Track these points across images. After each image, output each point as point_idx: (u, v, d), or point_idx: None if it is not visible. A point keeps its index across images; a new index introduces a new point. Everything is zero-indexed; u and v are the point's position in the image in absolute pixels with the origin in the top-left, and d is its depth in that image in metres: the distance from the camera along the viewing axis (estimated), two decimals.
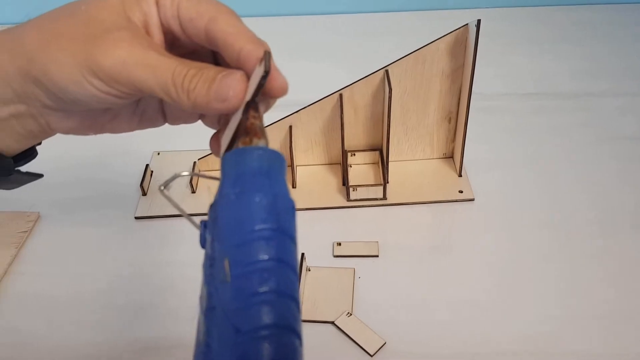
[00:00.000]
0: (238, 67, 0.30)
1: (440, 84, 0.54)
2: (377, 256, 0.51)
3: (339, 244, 0.52)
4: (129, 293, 0.49)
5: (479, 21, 0.47)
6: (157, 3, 0.31)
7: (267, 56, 0.28)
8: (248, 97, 0.28)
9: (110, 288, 0.50)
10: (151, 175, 0.59)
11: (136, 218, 0.55)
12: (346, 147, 0.58)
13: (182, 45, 0.32)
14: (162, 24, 0.31)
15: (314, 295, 0.48)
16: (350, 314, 0.46)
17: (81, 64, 0.29)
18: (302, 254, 0.49)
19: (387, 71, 0.52)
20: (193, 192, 0.57)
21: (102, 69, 0.29)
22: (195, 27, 0.31)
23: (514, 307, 0.46)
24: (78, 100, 0.31)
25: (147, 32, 0.31)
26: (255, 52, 0.29)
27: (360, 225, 0.54)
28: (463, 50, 0.52)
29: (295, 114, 0.55)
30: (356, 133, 0.58)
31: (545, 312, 0.46)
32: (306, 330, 0.45)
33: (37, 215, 0.56)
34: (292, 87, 0.81)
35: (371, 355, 0.43)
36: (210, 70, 0.29)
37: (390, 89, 0.51)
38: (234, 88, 0.29)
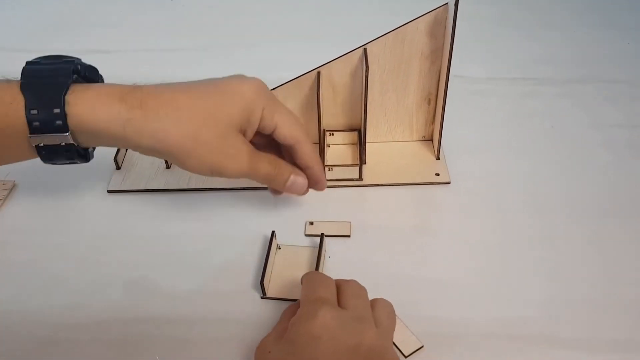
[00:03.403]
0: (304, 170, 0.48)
1: (419, 64, 0.53)
2: (348, 236, 0.51)
3: (312, 223, 0.52)
4: (99, 265, 0.49)
5: (457, 0, 0.47)
6: (261, 118, 0.44)
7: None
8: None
9: (80, 260, 0.50)
10: (126, 149, 0.58)
11: (108, 192, 0.55)
12: (325, 127, 0.58)
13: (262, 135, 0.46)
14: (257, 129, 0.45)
15: (283, 274, 0.48)
16: None
17: (211, 169, 0.42)
18: (273, 232, 0.49)
19: (365, 50, 0.51)
20: (167, 167, 0.57)
21: (225, 175, 0.43)
22: (284, 140, 0.46)
23: (487, 290, 0.46)
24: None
25: (245, 133, 0.44)
26: (321, 174, 0.49)
27: (335, 205, 0.54)
28: (442, 30, 0.51)
29: (272, 90, 0.54)
30: (335, 112, 0.58)
31: (520, 295, 0.46)
32: (273, 307, 0.46)
33: (12, 183, 0.56)
34: (272, 65, 0.81)
35: None
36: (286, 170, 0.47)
37: (367, 68, 0.50)
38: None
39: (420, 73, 0.54)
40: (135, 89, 0.39)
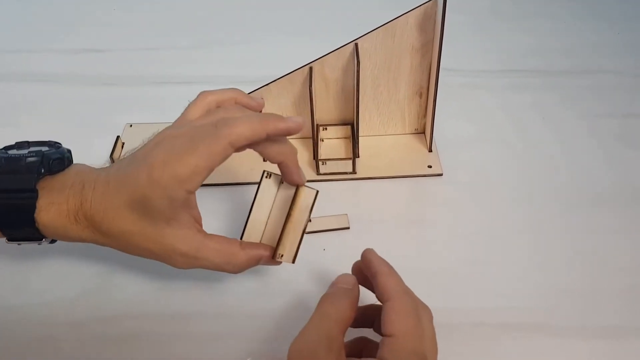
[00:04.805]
0: (289, 177, 0.43)
1: (410, 58, 0.54)
2: (348, 228, 0.51)
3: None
4: (96, 262, 0.50)
5: None
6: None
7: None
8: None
9: (77, 256, 0.50)
10: (122, 146, 0.59)
11: None
12: (318, 121, 0.58)
13: None
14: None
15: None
16: None
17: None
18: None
19: (356, 44, 0.52)
20: None
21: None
22: (271, 157, 0.41)
23: (481, 280, 0.47)
24: None
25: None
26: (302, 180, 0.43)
27: (329, 198, 0.54)
28: (432, 24, 0.51)
29: (266, 86, 0.55)
30: (328, 107, 0.58)
31: (513, 284, 0.47)
32: (275, 301, 0.46)
33: None
34: (264, 61, 0.80)
35: None
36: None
37: (359, 63, 0.51)
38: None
39: (411, 67, 0.55)
40: (83, 203, 0.40)
